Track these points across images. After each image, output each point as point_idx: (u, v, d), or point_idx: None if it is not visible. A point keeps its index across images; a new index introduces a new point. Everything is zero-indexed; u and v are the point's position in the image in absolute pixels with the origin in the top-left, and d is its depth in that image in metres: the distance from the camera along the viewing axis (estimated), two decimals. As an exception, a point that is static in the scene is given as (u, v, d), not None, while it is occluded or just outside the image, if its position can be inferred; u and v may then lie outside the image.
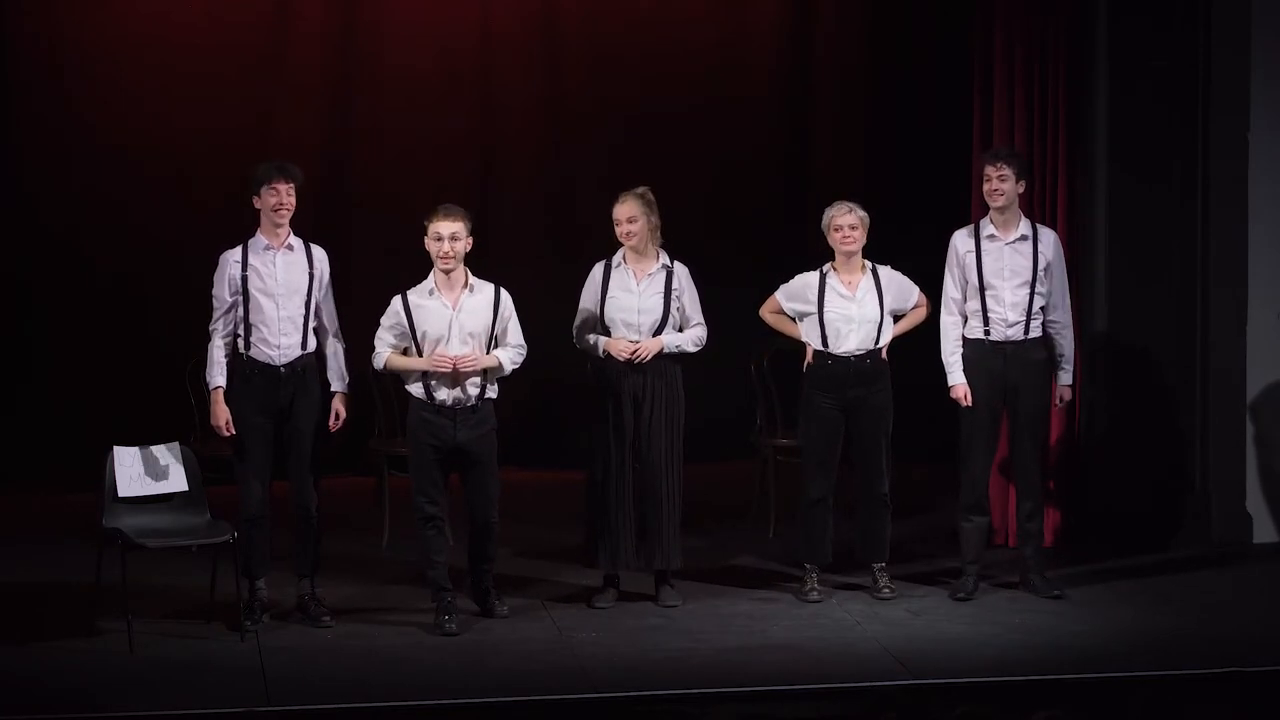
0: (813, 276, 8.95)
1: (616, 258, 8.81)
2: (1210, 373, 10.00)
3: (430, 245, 8.43)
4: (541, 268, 11.12)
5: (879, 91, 11.71)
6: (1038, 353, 8.92)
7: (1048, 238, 9.00)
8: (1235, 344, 9.99)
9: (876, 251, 8.96)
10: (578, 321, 8.84)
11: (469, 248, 8.43)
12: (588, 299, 8.84)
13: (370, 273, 10.44)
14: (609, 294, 8.77)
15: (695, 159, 11.51)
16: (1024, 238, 8.89)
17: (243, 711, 7.34)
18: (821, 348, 8.88)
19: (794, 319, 9.01)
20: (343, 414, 8.68)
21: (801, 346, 9.02)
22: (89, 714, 7.37)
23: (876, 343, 8.90)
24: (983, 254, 8.87)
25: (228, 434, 8.51)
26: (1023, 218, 8.94)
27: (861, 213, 8.88)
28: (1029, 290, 8.85)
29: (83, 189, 10.93)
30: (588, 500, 8.84)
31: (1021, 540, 9.12)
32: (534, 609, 8.76)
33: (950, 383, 8.93)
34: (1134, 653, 8.09)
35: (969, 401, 8.90)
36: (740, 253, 11.43)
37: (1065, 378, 9.02)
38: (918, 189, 11.17)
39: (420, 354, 8.48)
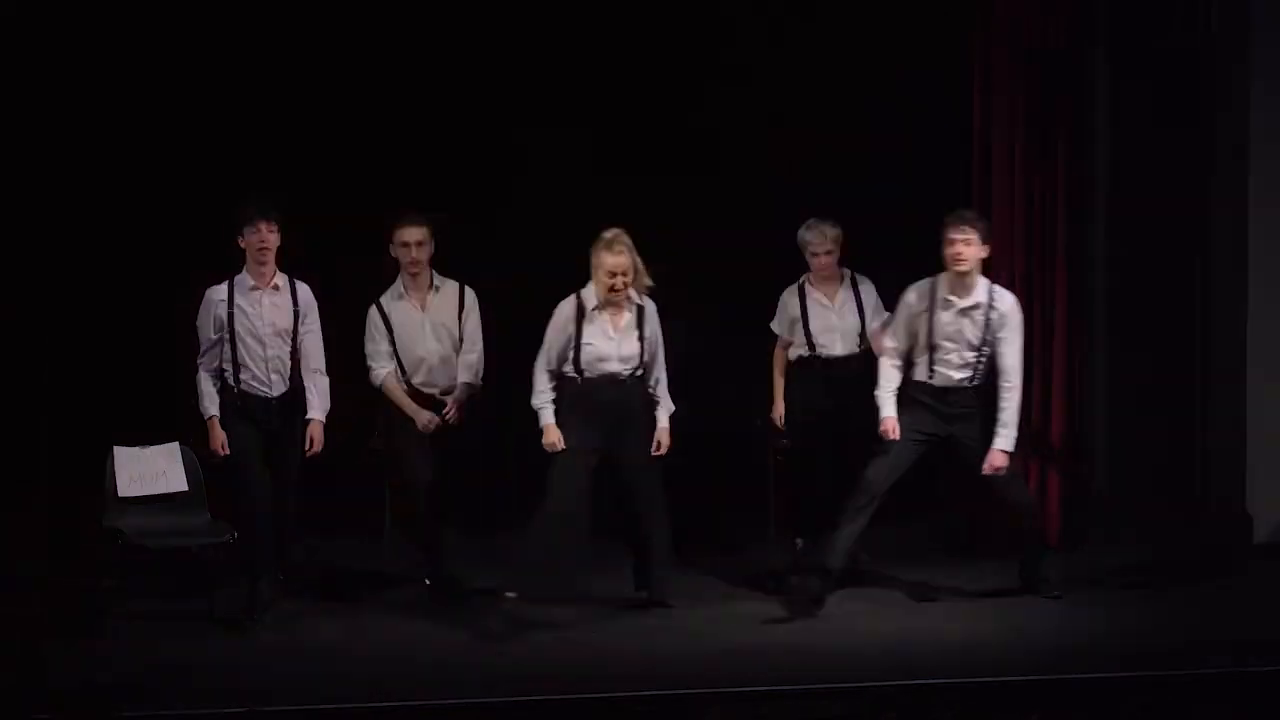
0: (791, 294, 9.20)
1: (590, 298, 8.61)
2: (1211, 373, 10.00)
3: (399, 252, 8.94)
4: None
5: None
6: (978, 397, 8.80)
7: (1004, 303, 8.72)
8: (1236, 344, 9.99)
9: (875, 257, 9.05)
10: (547, 355, 8.65)
11: (432, 252, 8.94)
12: (559, 338, 8.62)
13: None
14: (585, 340, 8.58)
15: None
16: (977, 305, 8.68)
17: (243, 711, 7.34)
18: (809, 353, 9.17)
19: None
20: (318, 442, 8.80)
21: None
22: (89, 714, 7.37)
23: (860, 345, 9.14)
24: (935, 317, 8.71)
25: (223, 454, 8.67)
26: (980, 281, 8.72)
27: (835, 231, 9.10)
28: (977, 353, 8.71)
29: (82, 188, 10.90)
30: (544, 529, 8.61)
31: (1019, 542, 9.08)
32: (534, 609, 8.75)
33: (882, 415, 8.80)
34: (1134, 653, 8.09)
35: (896, 436, 8.76)
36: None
37: (1002, 442, 8.72)
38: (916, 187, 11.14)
39: (395, 350, 8.95)
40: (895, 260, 9.12)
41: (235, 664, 7.97)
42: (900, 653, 8.09)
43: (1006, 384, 8.73)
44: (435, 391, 8.99)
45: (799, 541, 9.53)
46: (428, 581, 9.08)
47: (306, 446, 8.76)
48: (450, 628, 8.43)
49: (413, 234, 8.90)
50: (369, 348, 9.02)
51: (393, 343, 8.99)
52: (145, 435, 8.75)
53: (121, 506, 8.44)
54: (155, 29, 10.41)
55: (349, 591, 9.12)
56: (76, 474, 9.61)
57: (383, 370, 9.02)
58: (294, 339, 8.77)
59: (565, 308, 8.68)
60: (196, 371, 8.77)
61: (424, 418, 8.94)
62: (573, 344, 8.62)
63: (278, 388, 8.74)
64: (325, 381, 8.85)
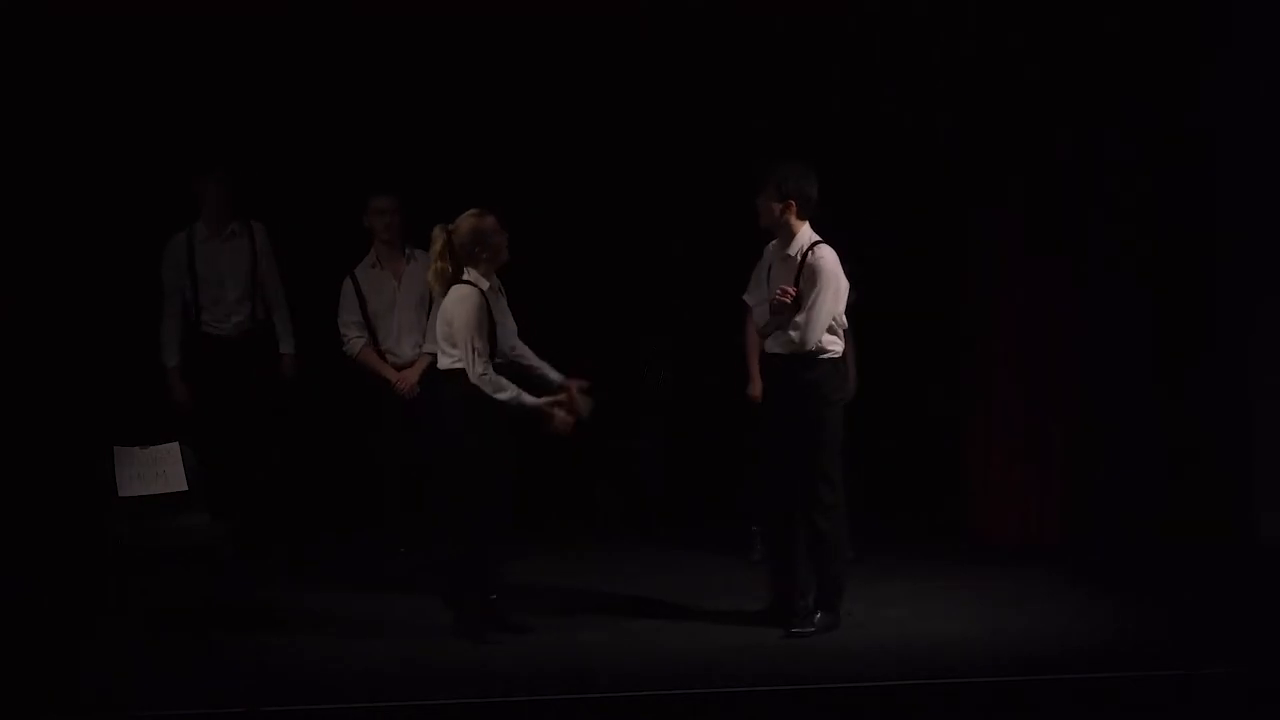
0: (764, 260, 8.80)
1: (481, 281, 8.30)
2: (1214, 371, 9.99)
3: (374, 221, 9.44)
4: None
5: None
6: (799, 368, 8.43)
7: (813, 258, 8.35)
8: (1238, 342, 9.98)
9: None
10: (485, 354, 8.21)
11: (403, 223, 9.40)
12: (481, 331, 8.19)
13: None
14: (497, 321, 8.32)
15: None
16: (791, 256, 8.41)
17: (242, 711, 7.34)
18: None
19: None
20: (287, 373, 9.66)
21: None
22: (89, 714, 7.37)
23: None
24: (772, 266, 8.57)
25: (185, 408, 9.49)
26: (799, 236, 8.41)
27: None
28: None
29: (81, 187, 10.89)
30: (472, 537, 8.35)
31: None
32: (534, 610, 8.75)
33: None
34: (1134, 653, 8.08)
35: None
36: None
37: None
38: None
39: (367, 321, 9.36)
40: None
41: (235, 664, 7.97)
42: (900, 653, 8.09)
43: (795, 326, 8.39)
44: (399, 361, 9.39)
45: (755, 530, 9.60)
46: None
47: (281, 380, 9.64)
48: (448, 628, 8.42)
49: (387, 202, 9.42)
50: (341, 318, 9.45)
51: (365, 312, 9.38)
52: (145, 435, 8.75)
53: (121, 506, 8.44)
54: (159, 46, 10.42)
55: (348, 590, 9.13)
56: (75, 474, 9.62)
57: (357, 340, 9.42)
58: (253, 277, 9.62)
59: (474, 299, 8.21)
60: (162, 321, 9.63)
61: (405, 382, 9.31)
62: (489, 336, 8.24)
63: (239, 329, 9.61)
64: (286, 312, 9.73)
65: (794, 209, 8.39)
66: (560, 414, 8.27)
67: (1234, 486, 9.98)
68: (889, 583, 9.24)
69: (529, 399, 8.23)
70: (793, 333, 8.33)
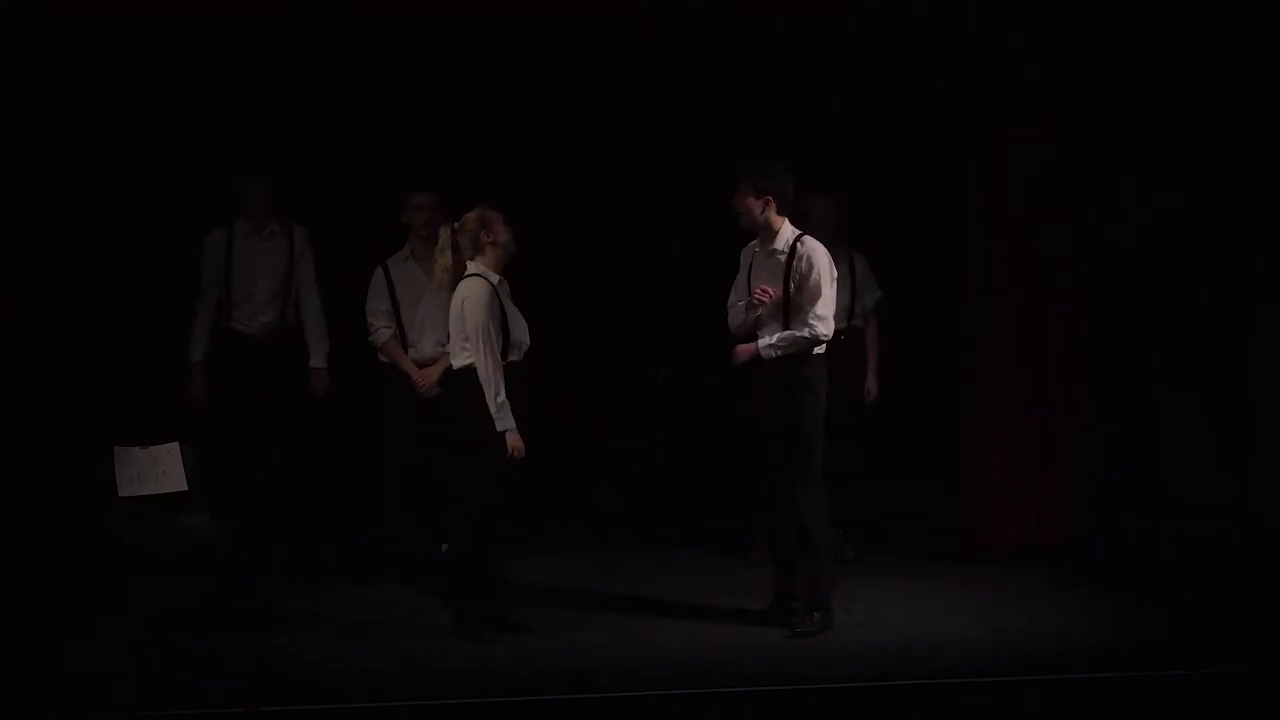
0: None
1: (491, 275, 8.39)
2: (1214, 371, 9.99)
3: (412, 217, 9.39)
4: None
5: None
6: (793, 364, 8.46)
7: (805, 250, 8.43)
8: (1238, 342, 9.98)
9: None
10: (495, 343, 8.28)
11: (440, 219, 8.97)
12: (495, 322, 8.28)
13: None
14: (507, 314, 8.38)
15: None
16: (779, 251, 8.47)
17: (242, 711, 7.34)
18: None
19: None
20: (321, 388, 9.57)
21: None
22: (90, 714, 7.37)
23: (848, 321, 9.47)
24: (753, 266, 8.61)
25: (199, 402, 9.45)
26: (782, 231, 8.47)
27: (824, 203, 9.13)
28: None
29: (82, 187, 10.89)
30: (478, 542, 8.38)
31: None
32: (534, 610, 8.75)
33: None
34: (1134, 653, 8.09)
35: None
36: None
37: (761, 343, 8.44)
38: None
39: (398, 313, 9.28)
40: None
41: (235, 664, 7.97)
42: (900, 653, 8.09)
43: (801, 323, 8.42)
44: (419, 357, 9.32)
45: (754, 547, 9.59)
46: (444, 547, 9.04)
47: (310, 393, 9.55)
48: (448, 628, 8.42)
49: (426, 199, 9.39)
50: (370, 306, 9.43)
51: (394, 304, 9.35)
52: (145, 435, 8.75)
53: (121, 506, 8.43)
54: (165, 46, 10.41)
55: (348, 590, 9.12)
56: (75, 474, 9.62)
57: (384, 330, 9.39)
58: (289, 279, 9.59)
59: (484, 288, 8.31)
60: (195, 316, 9.57)
61: (426, 380, 9.23)
62: (503, 324, 8.31)
63: (266, 329, 9.57)
64: (319, 317, 9.62)
65: (773, 205, 8.45)
66: (516, 443, 8.19)
67: (1234, 487, 9.98)
68: (889, 583, 9.24)
69: (509, 419, 8.18)
70: (815, 323, 8.36)
